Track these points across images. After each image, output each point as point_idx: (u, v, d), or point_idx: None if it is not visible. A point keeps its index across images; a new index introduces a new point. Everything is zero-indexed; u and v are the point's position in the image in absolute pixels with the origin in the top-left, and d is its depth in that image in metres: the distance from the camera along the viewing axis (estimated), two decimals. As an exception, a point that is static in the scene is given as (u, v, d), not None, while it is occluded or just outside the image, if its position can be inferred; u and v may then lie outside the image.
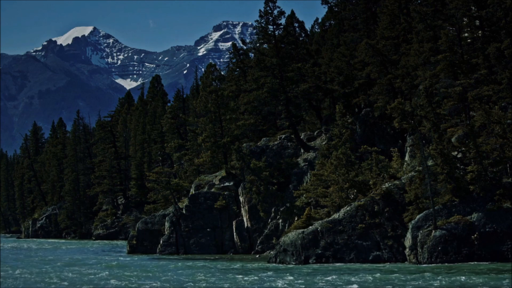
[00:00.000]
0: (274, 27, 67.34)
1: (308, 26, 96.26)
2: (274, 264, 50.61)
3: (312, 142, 67.76)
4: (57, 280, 42.42)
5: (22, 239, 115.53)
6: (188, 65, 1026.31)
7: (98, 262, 55.86)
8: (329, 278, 39.82)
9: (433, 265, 44.62)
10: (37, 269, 49.55)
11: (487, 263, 43.89)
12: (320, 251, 49.87)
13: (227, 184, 67.44)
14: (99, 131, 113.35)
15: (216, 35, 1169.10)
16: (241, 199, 65.54)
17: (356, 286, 36.37)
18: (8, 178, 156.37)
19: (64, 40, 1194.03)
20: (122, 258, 61.75)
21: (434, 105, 49.65)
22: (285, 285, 37.90)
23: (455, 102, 50.65)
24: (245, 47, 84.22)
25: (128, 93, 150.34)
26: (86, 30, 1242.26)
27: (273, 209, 63.39)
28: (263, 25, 67.21)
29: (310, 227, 51.48)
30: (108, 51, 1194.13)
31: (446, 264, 44.43)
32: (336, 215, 51.51)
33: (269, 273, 43.65)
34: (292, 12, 76.82)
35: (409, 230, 47.31)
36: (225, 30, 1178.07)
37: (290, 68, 66.84)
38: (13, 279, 43.50)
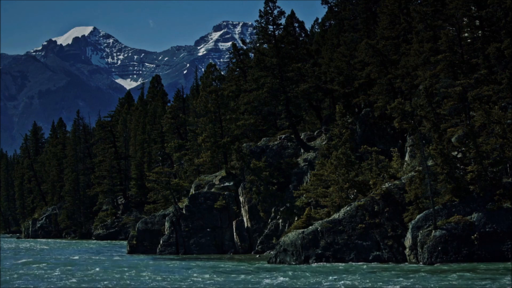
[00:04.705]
0: (274, 27, 67.38)
1: (308, 26, 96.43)
2: (274, 264, 50.60)
3: (312, 142, 67.75)
4: (58, 279, 42.46)
5: (22, 239, 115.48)
6: (188, 65, 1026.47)
7: (97, 262, 55.84)
8: (329, 278, 39.82)
9: (433, 265, 44.62)
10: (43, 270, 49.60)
11: (487, 263, 43.89)
12: (320, 251, 49.87)
13: (227, 184, 67.44)
14: (99, 131, 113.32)
15: (216, 35, 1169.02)
16: (241, 199, 65.54)
17: (356, 286, 36.36)
18: (8, 178, 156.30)
19: (64, 40, 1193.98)
20: (122, 258, 61.73)
21: (434, 105, 49.65)
22: (285, 285, 37.91)
23: (455, 102, 50.63)
24: (245, 47, 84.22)
25: (128, 93, 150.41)
26: (86, 30, 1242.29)
27: (273, 209, 63.39)
28: (263, 25, 67.25)
29: (310, 227, 51.47)
30: (108, 51, 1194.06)
31: (446, 264, 44.44)
32: (336, 215, 51.50)
33: (269, 273, 43.64)
34: (292, 12, 76.86)
35: (409, 230, 47.32)
36: (225, 30, 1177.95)
37: (290, 68, 66.83)
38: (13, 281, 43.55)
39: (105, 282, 40.73)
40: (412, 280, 37.74)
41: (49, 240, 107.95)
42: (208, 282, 40.03)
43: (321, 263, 49.01)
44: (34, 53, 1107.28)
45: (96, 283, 40.30)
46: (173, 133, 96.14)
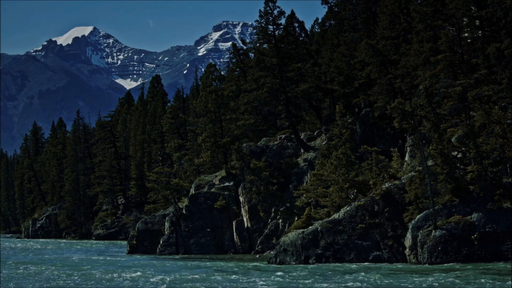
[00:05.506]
0: (274, 27, 67.41)
1: (308, 26, 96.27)
2: (274, 264, 50.59)
3: (312, 142, 67.77)
4: (59, 280, 42.47)
5: (22, 239, 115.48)
6: (188, 65, 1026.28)
7: (97, 262, 55.86)
8: (329, 278, 39.81)
9: (433, 265, 44.62)
10: (42, 269, 49.63)
11: (487, 263, 43.89)
12: (320, 251, 49.87)
13: (227, 184, 67.44)
14: (99, 131, 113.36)
15: (216, 35, 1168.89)
16: (241, 199, 65.55)
17: (356, 286, 36.36)
18: (8, 178, 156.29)
19: (64, 40, 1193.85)
20: (120, 259, 61.73)
21: (434, 105, 49.65)
22: (285, 285, 37.89)
23: (455, 102, 50.63)
24: (245, 47, 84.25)
25: (128, 93, 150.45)
26: (86, 30, 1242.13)
27: (273, 209, 63.40)
28: (263, 25, 67.28)
29: (310, 227, 51.47)
30: (108, 51, 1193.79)
31: (446, 264, 44.44)
32: (336, 215, 51.51)
33: (269, 273, 43.62)
34: (292, 12, 76.89)
35: (409, 230, 47.31)
36: (225, 30, 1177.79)
37: (290, 68, 66.84)
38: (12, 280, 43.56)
39: (105, 283, 40.73)
40: (412, 280, 37.72)
41: (49, 240, 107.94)
42: (206, 282, 39.98)
43: (321, 263, 49.02)
44: (34, 53, 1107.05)
45: (96, 284, 40.28)
46: (173, 133, 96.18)
